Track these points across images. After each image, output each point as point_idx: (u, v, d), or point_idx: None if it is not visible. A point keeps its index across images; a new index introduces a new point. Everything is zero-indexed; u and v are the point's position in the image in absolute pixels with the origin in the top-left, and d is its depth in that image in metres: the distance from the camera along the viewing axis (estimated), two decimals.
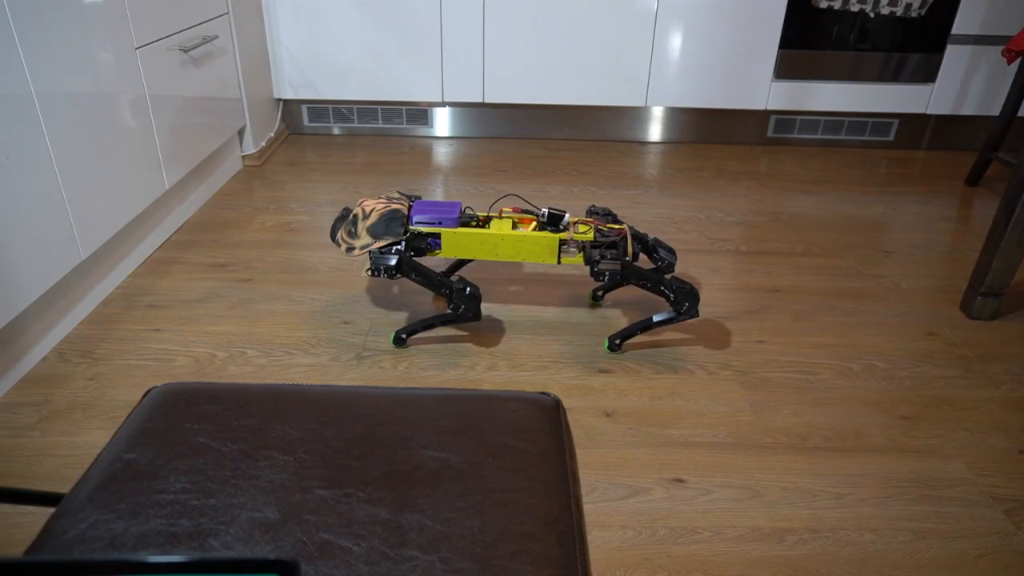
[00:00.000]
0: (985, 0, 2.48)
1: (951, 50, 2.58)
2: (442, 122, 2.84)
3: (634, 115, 2.81)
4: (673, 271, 1.53)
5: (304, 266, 1.88)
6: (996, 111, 2.68)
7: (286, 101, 2.77)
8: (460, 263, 1.72)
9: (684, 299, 1.45)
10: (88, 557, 0.28)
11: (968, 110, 2.70)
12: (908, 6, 2.47)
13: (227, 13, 2.24)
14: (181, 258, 1.90)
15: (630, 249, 1.48)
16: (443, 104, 2.79)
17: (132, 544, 0.51)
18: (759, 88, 2.66)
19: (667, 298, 1.46)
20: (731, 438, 1.33)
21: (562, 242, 1.48)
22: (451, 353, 1.53)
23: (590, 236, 1.47)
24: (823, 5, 2.49)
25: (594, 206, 1.60)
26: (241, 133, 2.49)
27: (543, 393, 0.70)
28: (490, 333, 1.60)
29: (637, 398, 1.42)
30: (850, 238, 2.11)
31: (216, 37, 2.15)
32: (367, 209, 1.49)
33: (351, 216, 1.51)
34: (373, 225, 1.47)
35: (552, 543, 0.54)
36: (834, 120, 2.79)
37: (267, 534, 0.52)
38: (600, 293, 1.74)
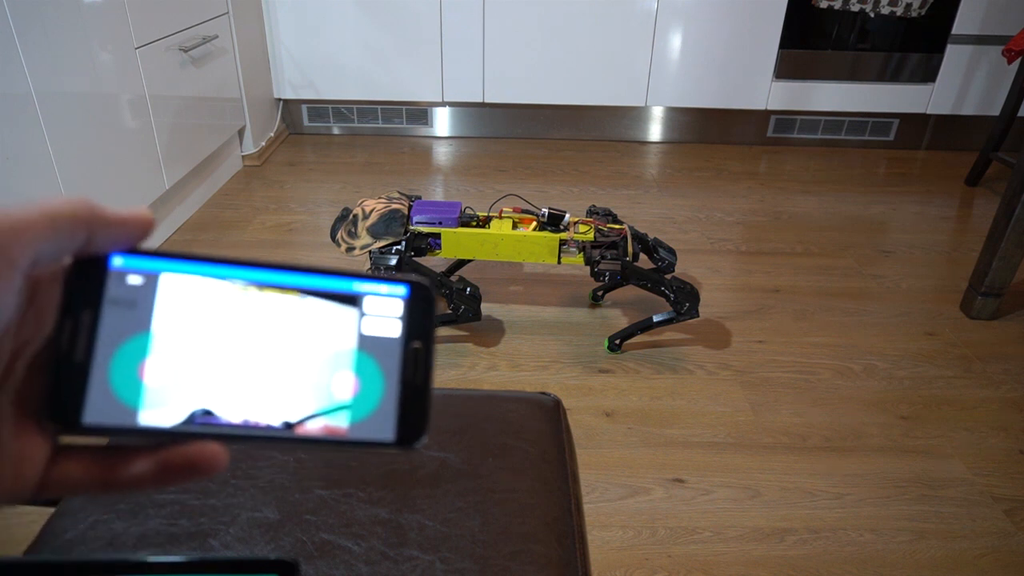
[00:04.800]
0: (985, 0, 2.48)
1: (951, 50, 2.58)
2: (442, 122, 2.84)
3: (634, 115, 2.81)
4: (673, 271, 1.53)
5: None
6: (996, 111, 2.68)
7: (286, 101, 2.77)
8: (460, 263, 1.72)
9: (684, 299, 1.45)
10: (88, 557, 0.28)
11: (968, 110, 2.70)
12: (908, 6, 2.47)
13: (227, 13, 2.24)
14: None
15: (630, 249, 1.48)
16: (443, 104, 2.79)
17: (132, 544, 0.51)
18: (759, 88, 2.66)
19: (667, 298, 1.46)
20: (731, 438, 1.33)
21: (562, 242, 1.47)
22: (451, 353, 1.53)
23: (590, 236, 1.47)
24: (823, 5, 2.49)
25: (594, 206, 1.60)
26: (241, 133, 2.49)
27: (543, 393, 0.70)
28: (490, 333, 1.60)
29: (637, 398, 1.42)
30: (850, 238, 2.11)
31: (216, 37, 2.15)
32: (367, 209, 1.49)
33: (351, 216, 1.51)
34: (373, 225, 1.47)
35: (552, 543, 0.54)
36: (834, 120, 2.79)
37: (267, 534, 0.52)
38: (600, 293, 1.74)
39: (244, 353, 0.26)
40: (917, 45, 2.59)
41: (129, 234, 0.25)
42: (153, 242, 1.93)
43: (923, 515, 1.17)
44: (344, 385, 0.26)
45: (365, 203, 1.51)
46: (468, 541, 0.52)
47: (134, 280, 0.25)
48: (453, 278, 1.50)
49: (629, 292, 1.77)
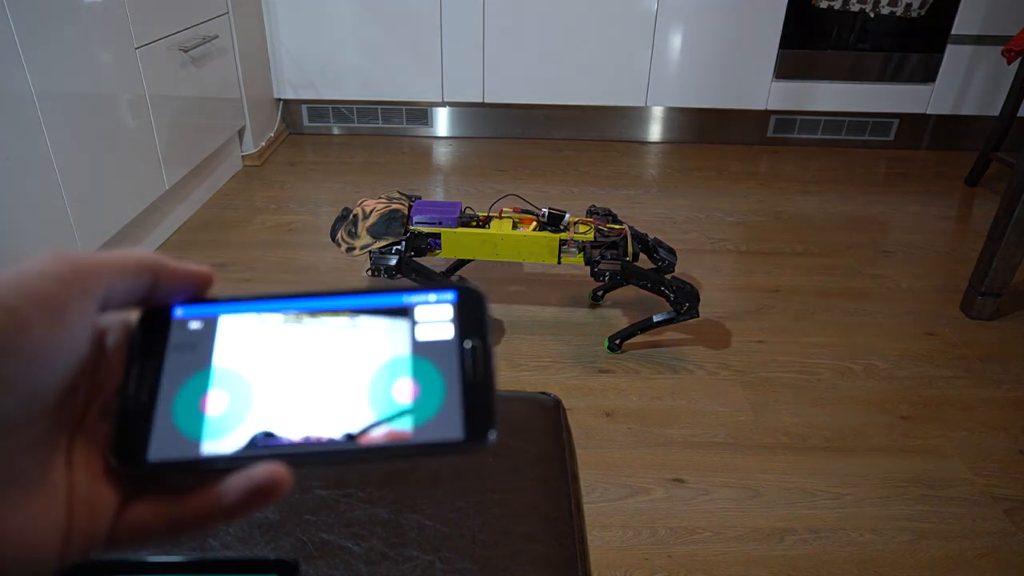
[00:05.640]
0: (985, 0, 2.48)
1: (951, 50, 2.58)
2: (442, 122, 2.84)
3: (634, 115, 2.81)
4: (673, 271, 1.53)
5: (304, 266, 1.88)
6: (996, 111, 2.67)
7: (286, 101, 2.77)
8: (460, 263, 1.72)
9: (684, 299, 1.45)
10: (88, 557, 0.28)
11: (968, 110, 2.70)
12: (908, 6, 2.47)
13: (227, 13, 2.24)
14: (181, 258, 1.90)
15: (630, 249, 1.48)
16: (443, 104, 2.79)
17: None
18: (759, 88, 2.66)
19: (667, 298, 1.46)
20: (731, 438, 1.33)
21: (562, 242, 1.47)
22: None
23: (590, 236, 1.47)
24: (823, 5, 2.49)
25: (594, 206, 1.60)
26: (241, 133, 2.49)
27: (543, 393, 0.70)
28: None
29: (637, 398, 1.42)
30: (850, 238, 2.11)
31: (216, 37, 2.15)
32: (367, 209, 1.49)
33: (351, 216, 1.51)
34: (373, 225, 1.47)
35: (552, 543, 0.54)
36: (834, 120, 2.79)
37: (267, 534, 0.52)
38: (600, 293, 1.74)
39: (301, 376, 0.27)
40: (917, 45, 2.59)
41: (190, 285, 0.28)
42: (154, 242, 1.93)
43: (923, 515, 1.17)
44: (404, 391, 0.26)
45: (365, 203, 1.51)
46: (468, 541, 0.52)
47: (195, 325, 0.28)
48: (453, 278, 1.49)
49: (629, 292, 1.77)
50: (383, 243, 1.45)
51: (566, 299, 1.75)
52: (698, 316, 1.48)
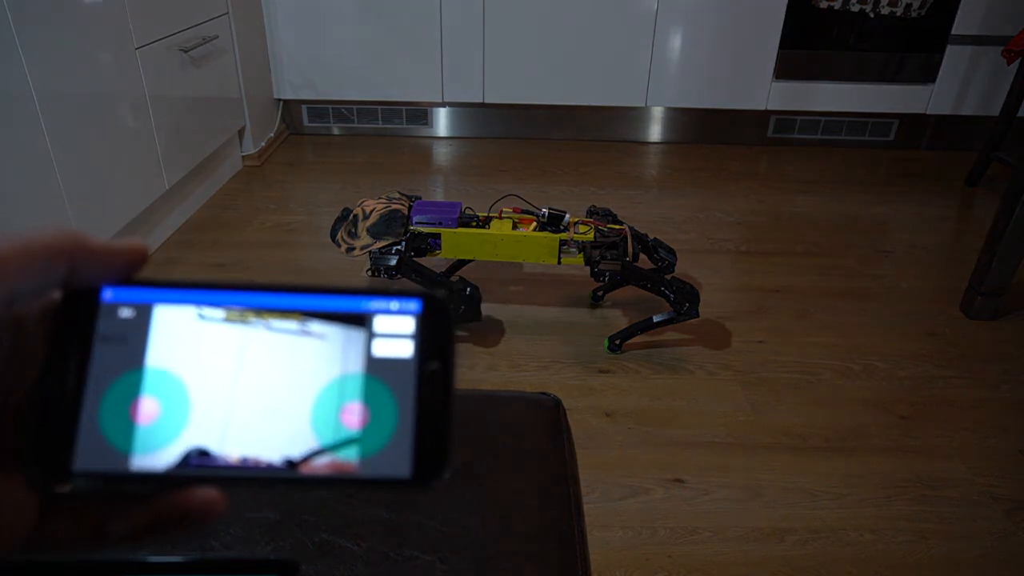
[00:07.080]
0: (985, 0, 2.48)
1: (951, 50, 2.58)
2: (442, 122, 2.84)
3: (634, 115, 2.81)
4: (673, 271, 1.53)
5: (304, 266, 1.87)
6: (996, 111, 2.67)
7: (286, 101, 2.77)
8: (460, 263, 1.72)
9: (684, 299, 1.45)
10: (88, 557, 0.28)
11: (968, 110, 2.70)
12: (908, 6, 2.47)
13: (227, 13, 2.24)
14: (181, 258, 1.90)
15: (630, 249, 1.48)
16: (443, 104, 2.79)
17: None
18: (759, 88, 2.66)
19: (667, 298, 1.46)
20: (731, 438, 1.33)
21: (562, 242, 1.47)
22: None
23: (590, 236, 1.47)
24: (823, 5, 2.49)
25: (594, 206, 1.60)
26: (241, 133, 2.48)
27: (543, 393, 0.70)
28: (490, 333, 1.60)
29: (637, 398, 1.42)
30: (850, 238, 2.11)
31: (216, 37, 2.15)
32: (367, 209, 1.49)
33: (351, 216, 1.51)
34: (373, 225, 1.47)
35: (552, 543, 0.54)
36: (834, 120, 2.79)
37: (267, 534, 0.52)
38: (600, 293, 1.74)
39: (242, 385, 0.24)
40: (917, 45, 2.58)
41: (120, 265, 0.24)
42: (154, 242, 1.93)
43: (923, 515, 1.17)
44: (353, 416, 0.24)
45: (365, 203, 1.51)
46: (468, 541, 0.52)
47: (126, 313, 0.24)
48: (453, 278, 1.49)
49: (629, 292, 1.77)
50: (383, 243, 1.45)
51: (566, 299, 1.75)
52: (698, 316, 1.48)
